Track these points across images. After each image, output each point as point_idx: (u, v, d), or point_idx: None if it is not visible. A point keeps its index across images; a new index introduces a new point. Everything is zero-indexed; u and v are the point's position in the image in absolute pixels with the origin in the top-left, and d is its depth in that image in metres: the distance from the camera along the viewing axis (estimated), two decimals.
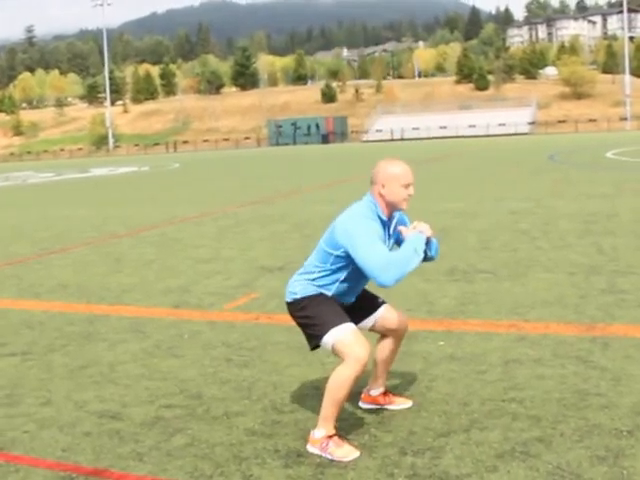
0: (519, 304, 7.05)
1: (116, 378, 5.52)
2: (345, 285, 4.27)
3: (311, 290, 4.24)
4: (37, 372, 5.79)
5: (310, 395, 4.85)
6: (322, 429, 4.01)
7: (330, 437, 3.99)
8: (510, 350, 5.65)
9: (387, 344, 4.57)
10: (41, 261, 11.38)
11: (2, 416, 4.86)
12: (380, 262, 3.88)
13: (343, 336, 4.01)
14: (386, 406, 4.63)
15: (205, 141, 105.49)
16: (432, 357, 5.61)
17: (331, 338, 4.03)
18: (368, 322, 4.48)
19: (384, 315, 4.48)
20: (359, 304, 4.45)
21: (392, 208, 4.17)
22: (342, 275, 4.21)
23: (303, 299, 4.22)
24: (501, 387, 4.85)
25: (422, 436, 4.17)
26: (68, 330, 7.05)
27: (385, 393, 4.68)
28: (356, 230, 4.00)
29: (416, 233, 4.07)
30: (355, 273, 4.18)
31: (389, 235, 4.25)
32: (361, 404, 4.69)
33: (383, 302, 4.55)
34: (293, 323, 4.40)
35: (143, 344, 6.39)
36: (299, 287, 4.27)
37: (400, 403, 4.65)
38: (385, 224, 4.19)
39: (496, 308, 6.95)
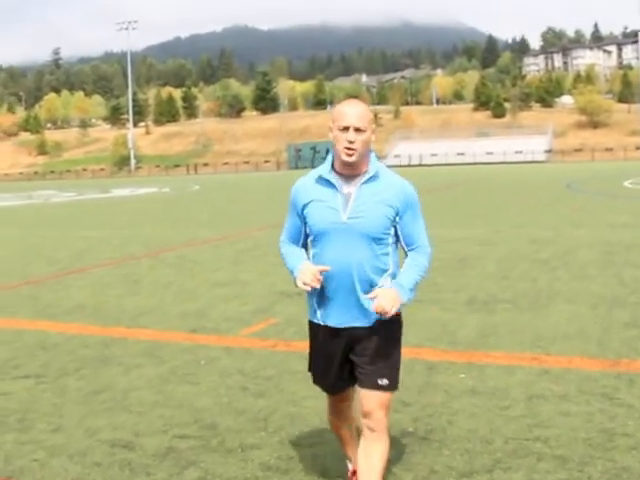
0: (541, 336, 6.90)
1: (129, 405, 5.42)
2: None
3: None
4: (50, 396, 5.70)
5: (328, 429, 4.71)
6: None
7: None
8: (533, 385, 5.51)
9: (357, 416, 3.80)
10: (59, 281, 11.33)
11: (12, 442, 4.77)
12: (280, 239, 3.78)
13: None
14: None
15: (225, 164, 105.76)
16: (453, 390, 5.47)
17: None
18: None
19: (359, 398, 3.62)
20: (351, 363, 3.63)
21: (341, 161, 3.48)
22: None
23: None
24: (525, 424, 4.71)
25: (444, 476, 4.05)
26: (83, 353, 6.96)
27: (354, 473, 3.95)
28: None
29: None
30: (323, 255, 3.53)
31: (346, 200, 3.46)
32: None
33: (373, 385, 3.54)
34: None
35: (158, 369, 6.29)
36: None
37: None
38: (335, 185, 3.48)
39: (518, 340, 6.81)
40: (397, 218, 3.50)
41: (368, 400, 3.51)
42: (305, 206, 3.55)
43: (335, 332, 3.58)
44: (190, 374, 6.14)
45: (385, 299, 3.36)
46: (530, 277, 10.10)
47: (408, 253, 3.61)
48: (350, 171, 3.48)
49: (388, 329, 3.56)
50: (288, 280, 10.44)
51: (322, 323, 3.62)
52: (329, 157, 3.57)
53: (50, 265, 13.16)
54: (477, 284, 9.68)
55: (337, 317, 3.56)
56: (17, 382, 6.11)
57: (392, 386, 3.55)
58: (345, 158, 3.41)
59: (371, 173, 3.48)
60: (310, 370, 3.81)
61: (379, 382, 3.51)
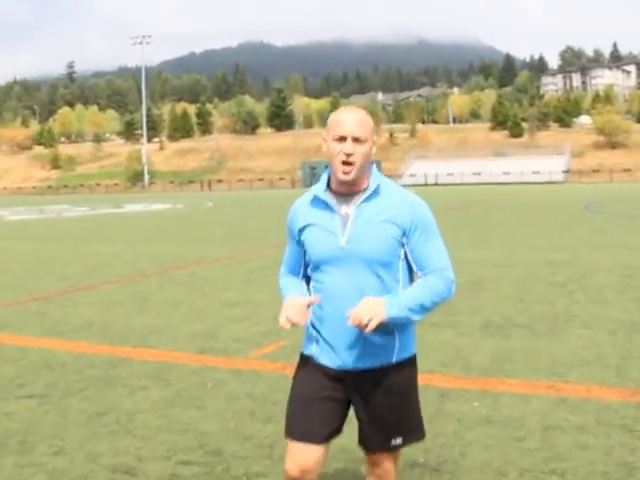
0: (558, 363, 6.72)
1: (133, 428, 5.28)
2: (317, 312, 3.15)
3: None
4: (53, 417, 5.58)
5: (336, 458, 4.55)
6: None
7: None
8: (550, 414, 5.33)
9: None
10: (68, 298, 11.22)
11: (12, 465, 4.64)
12: (280, 271, 3.44)
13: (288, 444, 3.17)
14: None
15: (240, 181, 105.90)
16: (466, 419, 5.30)
17: None
18: None
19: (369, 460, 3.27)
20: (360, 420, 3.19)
21: (337, 178, 3.04)
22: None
23: None
24: (541, 456, 4.54)
25: None
26: (88, 373, 6.83)
27: None
28: None
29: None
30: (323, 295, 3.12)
31: (344, 222, 3.05)
32: None
33: (384, 448, 3.15)
34: None
35: (164, 392, 6.15)
36: None
37: None
38: (331, 206, 3.07)
39: (534, 367, 6.63)
40: (404, 238, 3.01)
41: (377, 455, 3.18)
42: (301, 231, 3.15)
43: (333, 374, 3.10)
44: (197, 397, 5.99)
45: (362, 307, 2.83)
46: (547, 300, 9.91)
47: (422, 277, 3.07)
48: (348, 189, 3.05)
49: (401, 373, 3.08)
50: None
51: (317, 361, 3.13)
52: (324, 175, 3.15)
53: (60, 281, 13.07)
54: (493, 307, 9.51)
55: (336, 357, 3.08)
56: (20, 402, 5.99)
57: (410, 440, 3.15)
58: (342, 177, 2.98)
59: (372, 189, 3.03)
60: (287, 419, 3.18)
61: (392, 443, 3.09)
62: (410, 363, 3.16)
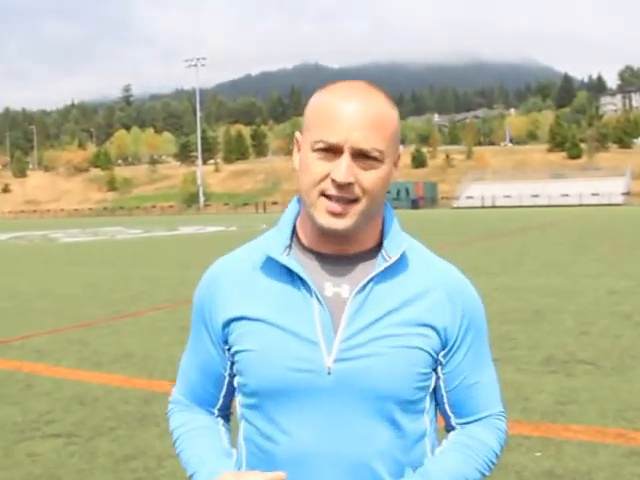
0: (627, 406, 6.13)
1: (161, 475, 4.88)
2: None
3: None
4: (78, 461, 5.21)
5: None
6: None
7: None
8: (620, 468, 4.77)
9: None
10: (111, 325, 10.92)
11: None
12: (171, 396, 1.88)
13: None
14: None
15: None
16: (527, 472, 4.77)
17: None
18: None
19: None
20: None
21: (313, 218, 1.59)
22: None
23: None
24: None
25: None
26: (122, 410, 6.45)
27: None
28: None
29: None
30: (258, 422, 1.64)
31: (332, 316, 1.59)
32: None
33: None
34: None
35: None
36: None
37: None
38: (304, 281, 1.60)
39: (601, 410, 6.05)
40: (442, 354, 1.64)
41: None
42: (229, 328, 1.65)
43: None
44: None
45: None
46: (612, 333, 9.27)
47: (460, 427, 1.72)
48: (339, 248, 1.62)
49: None
50: None
51: None
52: (285, 215, 1.72)
53: (104, 307, 12.78)
54: (554, 340, 8.89)
55: None
56: (46, 441, 5.64)
57: None
58: (327, 223, 1.55)
59: (393, 256, 1.62)
60: None
61: None
62: None
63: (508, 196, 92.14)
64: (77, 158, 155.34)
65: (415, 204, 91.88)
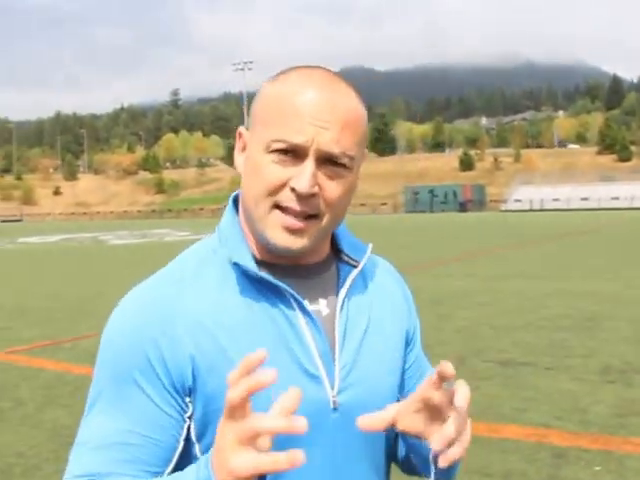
0: None
1: None
2: None
3: None
4: None
5: None
6: None
7: None
8: None
9: None
10: None
11: None
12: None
13: None
14: None
15: None
16: None
17: None
18: None
19: None
20: None
21: (259, 235, 1.29)
22: None
23: None
24: None
25: None
26: None
27: None
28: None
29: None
30: None
31: (327, 337, 1.31)
32: None
33: None
34: None
35: None
36: None
37: None
38: (292, 295, 1.30)
39: None
40: (405, 352, 1.49)
41: None
42: (196, 374, 1.24)
43: None
44: None
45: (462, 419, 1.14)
46: None
47: None
48: (296, 259, 1.34)
49: None
50: None
51: None
52: (231, 222, 1.38)
53: None
54: (611, 349, 8.65)
55: None
56: None
57: None
58: (277, 240, 1.27)
59: (360, 261, 1.41)
60: None
61: None
62: None
63: (557, 199, 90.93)
64: (126, 161, 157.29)
65: (463, 207, 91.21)
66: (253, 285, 1.29)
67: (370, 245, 1.45)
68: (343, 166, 1.25)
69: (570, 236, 32.90)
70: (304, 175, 1.22)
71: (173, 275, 1.33)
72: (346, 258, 1.41)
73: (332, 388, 1.29)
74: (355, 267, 1.39)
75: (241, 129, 1.34)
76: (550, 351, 8.51)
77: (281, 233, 1.25)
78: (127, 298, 1.34)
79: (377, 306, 1.42)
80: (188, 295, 1.28)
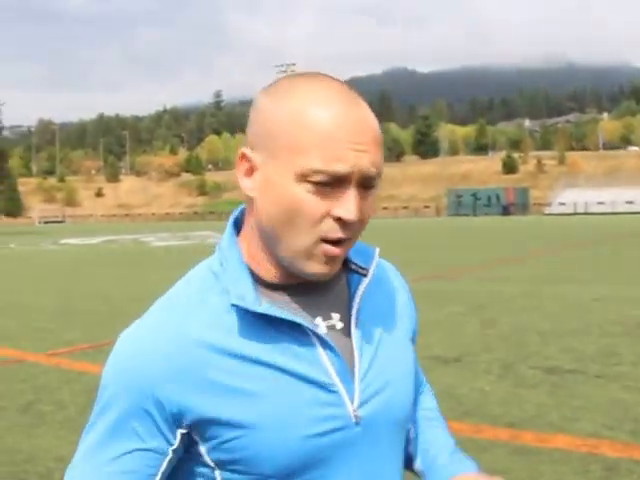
0: None
1: None
2: None
3: None
4: None
5: None
6: None
7: None
8: None
9: None
10: None
11: None
12: None
13: None
14: None
15: (384, 208, 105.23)
16: None
17: None
18: None
19: None
20: None
21: (291, 264, 1.22)
22: None
23: None
24: None
25: None
26: None
27: None
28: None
29: None
30: None
31: (342, 352, 1.25)
32: None
33: None
34: None
35: None
36: None
37: None
38: (300, 323, 1.22)
39: None
40: None
41: None
42: (202, 415, 1.17)
43: None
44: None
45: None
46: None
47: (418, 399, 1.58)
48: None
49: None
50: (445, 342, 9.59)
51: None
52: (232, 249, 1.31)
53: None
54: None
55: None
56: None
57: None
58: (320, 271, 1.21)
59: (369, 267, 1.34)
60: None
61: None
62: None
63: (602, 202, 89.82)
64: (168, 163, 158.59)
65: (506, 210, 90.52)
66: (257, 318, 1.21)
67: (377, 249, 1.40)
68: (374, 185, 1.21)
69: (616, 240, 32.38)
70: (350, 204, 1.16)
71: (174, 309, 1.25)
72: (355, 267, 1.35)
73: (352, 402, 1.24)
74: (364, 276, 1.33)
75: (245, 150, 1.25)
76: (599, 358, 8.30)
77: (324, 266, 1.20)
78: (125, 339, 1.28)
79: (388, 312, 1.40)
80: (193, 327, 1.20)
